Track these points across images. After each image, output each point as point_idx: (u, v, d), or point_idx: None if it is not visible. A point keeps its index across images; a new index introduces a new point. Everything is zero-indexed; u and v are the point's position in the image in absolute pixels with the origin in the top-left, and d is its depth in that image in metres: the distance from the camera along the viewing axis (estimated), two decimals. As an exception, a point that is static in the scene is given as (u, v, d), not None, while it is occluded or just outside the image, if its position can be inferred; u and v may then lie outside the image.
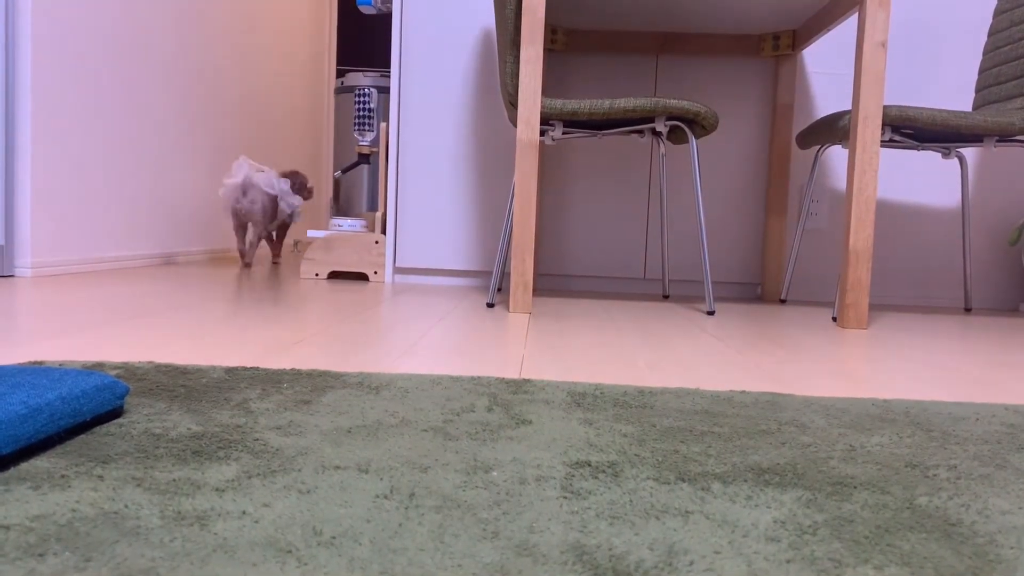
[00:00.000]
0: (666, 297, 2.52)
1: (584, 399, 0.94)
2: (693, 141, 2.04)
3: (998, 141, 2.06)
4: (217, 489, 0.59)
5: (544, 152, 2.64)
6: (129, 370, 0.99)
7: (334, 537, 0.51)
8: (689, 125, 2.06)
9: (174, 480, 0.60)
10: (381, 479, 0.63)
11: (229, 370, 1.02)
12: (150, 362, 1.05)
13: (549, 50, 2.59)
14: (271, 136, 4.23)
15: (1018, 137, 2.08)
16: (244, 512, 0.55)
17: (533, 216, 1.87)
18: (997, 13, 2.26)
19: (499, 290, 2.56)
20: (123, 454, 0.66)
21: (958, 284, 2.62)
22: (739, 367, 1.24)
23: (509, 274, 2.67)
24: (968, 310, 2.46)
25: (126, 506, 0.55)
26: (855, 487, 0.66)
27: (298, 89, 4.73)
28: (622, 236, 2.65)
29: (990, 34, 2.28)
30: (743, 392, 1.02)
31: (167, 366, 1.03)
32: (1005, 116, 1.97)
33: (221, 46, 3.52)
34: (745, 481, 0.66)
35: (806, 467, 0.71)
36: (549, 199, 2.66)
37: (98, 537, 0.50)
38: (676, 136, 2.22)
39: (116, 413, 0.79)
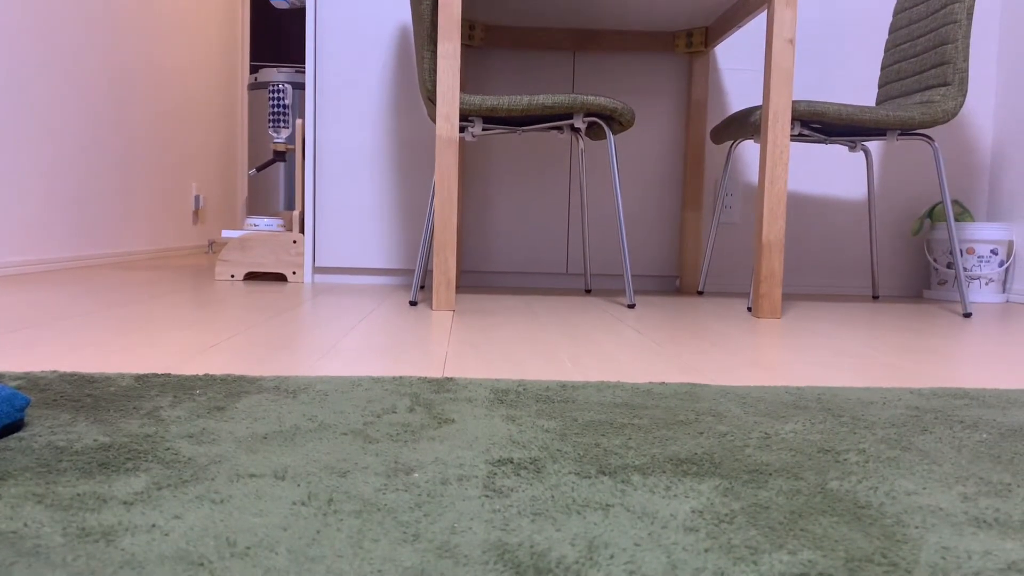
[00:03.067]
0: (588, 291, 2.54)
1: (507, 396, 0.94)
2: (611, 137, 2.07)
3: (900, 135, 2.15)
4: (125, 502, 0.56)
5: (465, 148, 2.63)
6: (31, 380, 0.95)
7: (249, 547, 0.50)
8: (606, 121, 2.08)
9: (78, 495, 0.58)
10: (298, 485, 0.61)
11: (139, 377, 0.99)
12: (54, 371, 1.01)
13: (467, 46, 2.58)
14: (183, 134, 4.11)
15: (918, 130, 2.17)
16: (153, 525, 0.53)
17: (455, 213, 1.86)
18: (896, 12, 2.35)
19: (422, 288, 2.55)
20: (23, 469, 0.63)
21: (866, 273, 2.72)
22: (658, 359, 1.26)
23: (432, 271, 2.66)
24: (876, 297, 2.55)
25: (25, 524, 0.52)
26: (770, 474, 0.67)
27: (210, 85, 4.60)
28: (544, 232, 2.66)
29: (890, 31, 2.37)
30: (662, 384, 1.04)
31: (72, 375, 0.99)
32: (906, 110, 2.05)
33: (128, 43, 3.39)
34: (664, 472, 0.67)
35: (723, 456, 0.72)
36: (471, 195, 2.65)
37: (-6, 559, 0.47)
38: (594, 132, 2.24)
39: (16, 426, 0.75)
